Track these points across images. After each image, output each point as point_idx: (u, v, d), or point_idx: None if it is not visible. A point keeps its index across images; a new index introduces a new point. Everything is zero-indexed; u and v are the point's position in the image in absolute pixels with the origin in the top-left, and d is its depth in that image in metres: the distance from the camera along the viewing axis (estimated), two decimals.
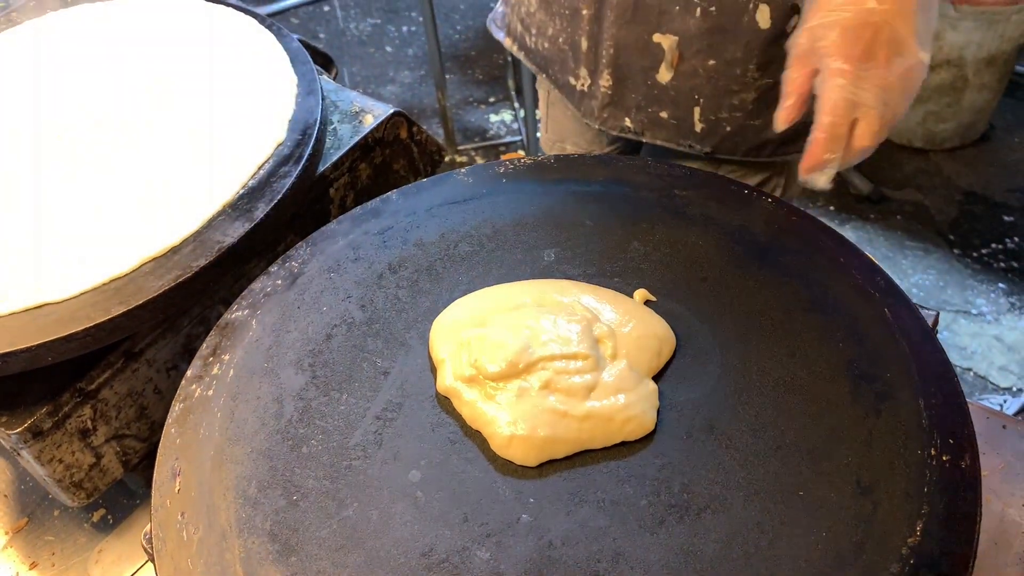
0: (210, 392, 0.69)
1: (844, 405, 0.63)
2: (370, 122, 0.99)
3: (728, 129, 1.03)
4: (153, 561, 0.60)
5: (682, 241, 0.75)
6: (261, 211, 0.82)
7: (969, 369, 2.32)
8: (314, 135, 0.89)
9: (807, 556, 0.55)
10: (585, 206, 0.79)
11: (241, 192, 0.84)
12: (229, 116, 0.91)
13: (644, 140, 1.08)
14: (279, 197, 0.83)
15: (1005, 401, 2.13)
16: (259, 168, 0.86)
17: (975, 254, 2.55)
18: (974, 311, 2.43)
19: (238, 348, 0.71)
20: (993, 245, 2.57)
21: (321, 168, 0.94)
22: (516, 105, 3.07)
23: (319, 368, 0.69)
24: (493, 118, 3.15)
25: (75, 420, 0.79)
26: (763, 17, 0.95)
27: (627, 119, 1.07)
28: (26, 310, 0.76)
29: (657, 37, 0.99)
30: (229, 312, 0.74)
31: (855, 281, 0.70)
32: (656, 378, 0.66)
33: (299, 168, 0.86)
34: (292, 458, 0.64)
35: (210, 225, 0.81)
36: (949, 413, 0.61)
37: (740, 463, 0.60)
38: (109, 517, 0.89)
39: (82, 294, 0.76)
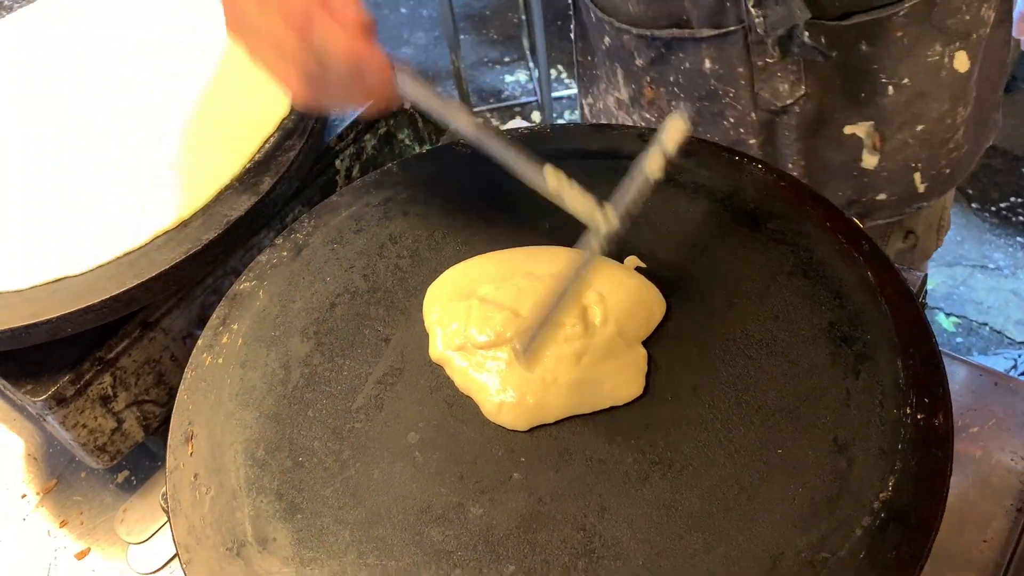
0: (220, 360, 0.72)
1: (824, 366, 0.65)
2: None
3: (948, 172, 1.04)
4: (169, 520, 0.64)
5: (673, 208, 0.77)
6: (267, 184, 0.85)
7: (985, 324, 2.32)
8: None
9: (783, 510, 0.58)
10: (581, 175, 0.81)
11: (248, 166, 0.87)
12: (233, 92, 0.94)
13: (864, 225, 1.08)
14: (284, 170, 0.86)
15: (1020, 355, 2.14)
16: (265, 142, 0.88)
17: (993, 208, 2.54)
18: (991, 265, 2.42)
19: (246, 317, 0.75)
20: (1012, 199, 2.55)
21: (326, 140, 0.97)
22: (531, 65, 3.07)
23: (324, 335, 0.73)
24: (508, 78, 3.15)
25: (96, 387, 0.84)
26: (961, 62, 0.95)
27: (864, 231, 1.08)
28: (45, 284, 0.80)
29: (849, 129, 0.99)
30: (237, 283, 0.77)
31: (840, 245, 0.72)
32: (645, 342, 0.68)
33: (304, 141, 0.88)
34: (298, 421, 0.68)
35: (218, 199, 0.84)
36: (926, 373, 0.63)
37: (722, 423, 0.63)
38: (133, 478, 0.94)
39: (98, 268, 0.80)
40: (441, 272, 0.75)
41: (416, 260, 0.78)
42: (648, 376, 0.66)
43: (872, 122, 0.99)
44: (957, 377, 0.90)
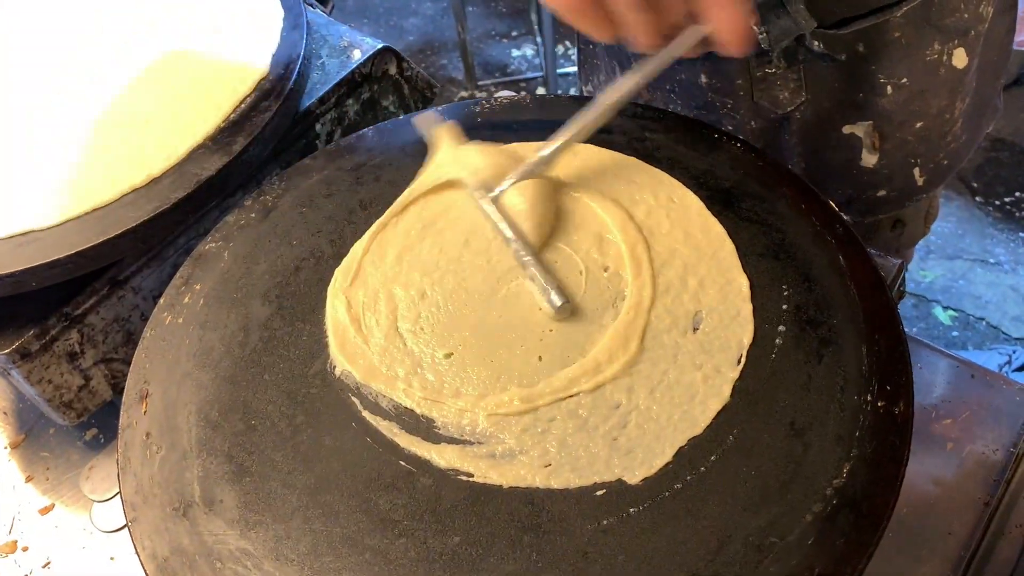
0: (180, 320, 0.71)
1: (787, 349, 0.64)
2: (357, 57, 0.99)
3: (946, 163, 1.03)
4: (119, 477, 0.63)
5: None
6: (240, 145, 0.83)
7: (982, 318, 2.30)
8: (296, 69, 0.90)
9: (734, 491, 0.57)
10: None
11: (222, 126, 0.85)
12: (212, 50, 0.93)
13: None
14: (259, 131, 0.85)
15: (1014, 352, 2.12)
16: (240, 102, 0.87)
17: (997, 202, 2.51)
18: (992, 260, 2.40)
19: (209, 278, 0.74)
20: (1017, 194, 2.52)
21: (307, 103, 0.96)
22: (539, 40, 3.03)
23: (285, 299, 0.72)
24: (515, 53, 3.12)
25: (62, 343, 0.83)
26: (959, 58, 0.94)
27: (843, 216, 1.07)
28: (10, 237, 0.79)
29: (848, 129, 0.98)
30: (203, 243, 0.76)
31: (813, 227, 0.71)
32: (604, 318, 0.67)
33: (280, 102, 0.87)
34: (254, 385, 0.67)
35: (189, 158, 0.83)
36: (890, 360, 0.62)
37: None
38: (101, 436, 0.93)
39: (65, 223, 0.79)
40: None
41: None
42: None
43: (871, 122, 0.98)
44: (934, 367, 0.89)
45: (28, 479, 0.92)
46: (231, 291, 0.73)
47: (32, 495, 0.90)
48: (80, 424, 0.90)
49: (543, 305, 0.67)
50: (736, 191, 0.74)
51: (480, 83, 2.95)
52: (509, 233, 0.70)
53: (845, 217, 1.07)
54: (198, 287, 0.73)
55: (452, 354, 0.66)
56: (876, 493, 0.56)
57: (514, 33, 3.18)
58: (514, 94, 0.83)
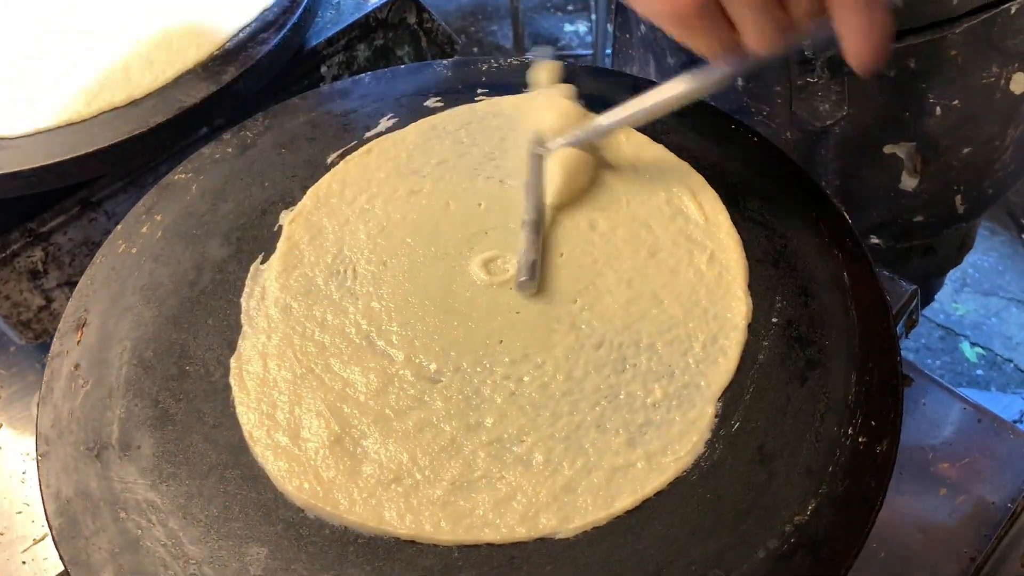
0: (134, 250, 0.67)
1: (769, 366, 0.58)
2: (374, 0, 0.94)
3: (990, 192, 0.97)
4: (37, 408, 0.59)
5: None
6: (230, 75, 0.79)
7: (1010, 360, 2.21)
8: (303, 3, 0.85)
9: (683, 515, 0.52)
10: None
11: (215, 54, 0.81)
12: None
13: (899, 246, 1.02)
14: (252, 63, 0.80)
15: None
16: (239, 31, 0.82)
17: None
18: None
19: (172, 210, 0.69)
20: None
21: (313, 42, 0.91)
22: (593, 17, 2.95)
23: (246, 243, 0.67)
24: (568, 27, 3.04)
25: (24, 260, 0.80)
26: (1018, 83, 0.87)
27: (873, 237, 1.00)
28: None
29: (889, 148, 0.92)
30: (173, 173, 0.72)
31: (821, 237, 0.64)
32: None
33: (280, 36, 0.83)
34: (195, 329, 0.63)
35: (176, 83, 0.79)
36: (880, 394, 0.56)
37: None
38: None
39: (35, 134, 0.76)
40: None
41: None
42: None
43: (915, 143, 0.91)
44: (940, 405, 0.83)
45: None
46: (192, 226, 0.69)
47: None
48: (41, 345, 0.87)
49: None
50: (744, 188, 0.68)
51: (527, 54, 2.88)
52: (533, 190, 0.66)
53: (875, 240, 1.01)
54: (159, 218, 0.69)
55: (405, 319, 0.61)
56: (840, 537, 0.50)
57: (570, 7, 3.10)
58: (519, 59, 0.77)
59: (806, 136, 0.93)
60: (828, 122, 0.91)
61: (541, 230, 0.64)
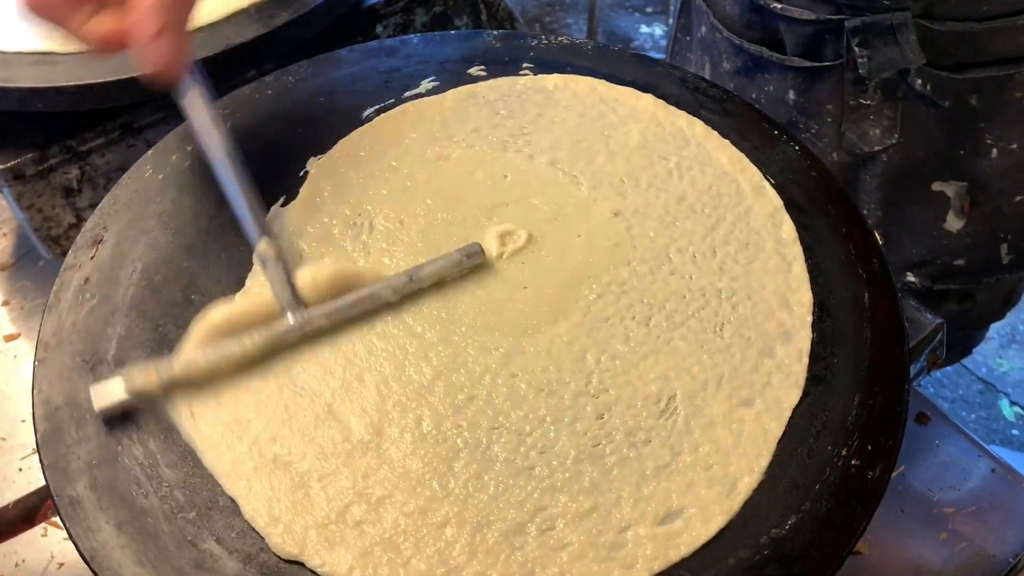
0: (160, 176, 0.68)
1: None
2: None
3: None
4: (43, 315, 0.60)
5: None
6: (282, 19, 0.79)
7: None
8: None
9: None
10: None
11: None
12: None
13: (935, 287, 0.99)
14: (305, 11, 0.80)
15: None
16: None
17: None
18: None
19: None
20: None
21: (372, 0, 0.91)
22: (671, 21, 2.93)
23: (270, 183, 0.67)
24: (643, 29, 3.02)
25: (60, 175, 0.81)
26: None
27: (909, 275, 0.98)
28: (30, 53, 0.77)
29: (938, 185, 0.89)
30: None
31: (848, 255, 0.63)
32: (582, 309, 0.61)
33: None
34: (207, 260, 0.63)
35: (227, 21, 0.79)
36: (881, 420, 0.54)
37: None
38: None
39: (84, 53, 0.76)
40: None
41: None
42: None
43: (966, 183, 0.88)
44: (955, 448, 0.80)
45: (4, 303, 0.91)
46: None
47: (3, 319, 0.89)
48: None
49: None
50: (778, 194, 0.66)
51: None
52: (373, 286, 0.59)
53: (911, 278, 0.98)
54: (190, 148, 0.70)
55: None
56: (815, 557, 0.49)
57: (649, 9, 3.07)
58: (569, 38, 0.76)
59: (853, 160, 0.91)
60: (877, 148, 0.88)
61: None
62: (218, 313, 0.57)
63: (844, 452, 0.53)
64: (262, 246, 0.58)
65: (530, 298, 0.60)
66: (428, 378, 0.56)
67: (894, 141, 0.87)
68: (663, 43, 2.93)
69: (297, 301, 0.57)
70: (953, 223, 0.92)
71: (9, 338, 0.87)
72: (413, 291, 0.59)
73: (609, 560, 0.48)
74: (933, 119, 0.85)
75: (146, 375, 0.54)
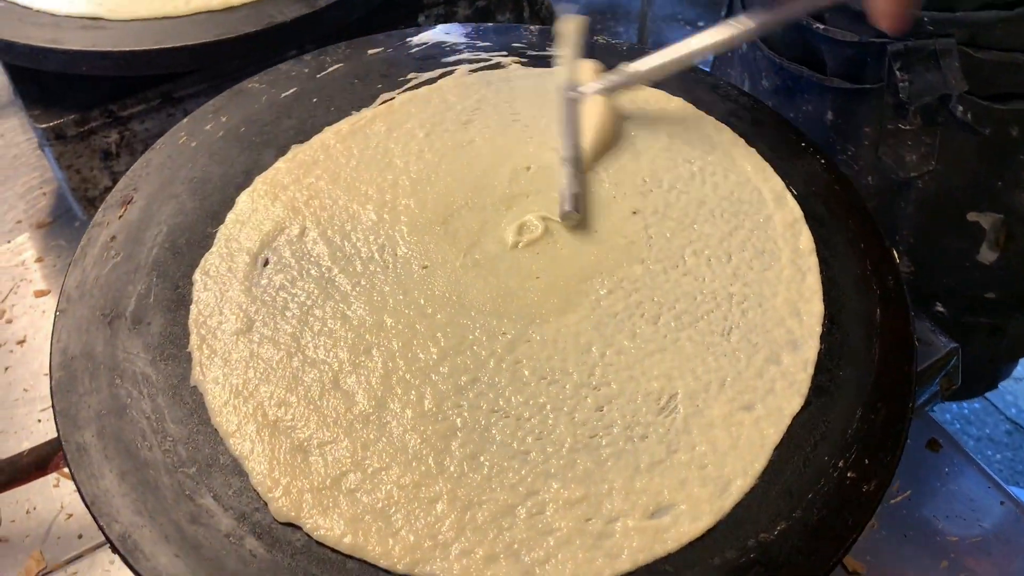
0: (193, 144, 0.70)
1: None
2: None
3: None
4: (68, 267, 0.62)
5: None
6: (325, 1, 0.81)
7: None
8: None
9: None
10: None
11: None
12: None
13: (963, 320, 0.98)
14: None
15: None
16: None
17: None
18: None
19: (238, 114, 0.72)
20: None
21: None
22: None
23: (299, 154, 0.69)
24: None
25: (100, 138, 0.83)
26: None
27: (938, 305, 0.97)
28: (79, 16, 0.79)
29: (973, 216, 0.88)
30: (248, 80, 0.74)
31: (863, 270, 0.62)
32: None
33: None
34: None
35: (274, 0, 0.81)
36: (883, 435, 0.54)
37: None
38: None
39: (132, 21, 0.79)
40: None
41: None
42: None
43: (1002, 215, 0.86)
44: (964, 479, 0.79)
45: (38, 259, 0.93)
46: (252, 133, 0.71)
47: (35, 276, 0.92)
48: None
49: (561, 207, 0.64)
50: (800, 206, 0.66)
51: None
52: (570, 132, 0.67)
53: (939, 308, 0.96)
54: (224, 119, 0.71)
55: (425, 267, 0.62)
56: (801, 564, 0.49)
57: (700, 23, 3.06)
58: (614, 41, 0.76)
59: (888, 185, 0.89)
60: (913, 174, 0.87)
61: (582, 166, 0.66)
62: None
63: (841, 464, 0.53)
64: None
65: (541, 288, 0.60)
66: (435, 358, 0.56)
67: (931, 168, 0.86)
68: (711, 58, 2.92)
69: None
70: (986, 255, 0.90)
71: (39, 294, 0.90)
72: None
73: (595, 548, 0.49)
74: (972, 148, 0.84)
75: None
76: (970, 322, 1.00)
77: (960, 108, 0.81)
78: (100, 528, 0.49)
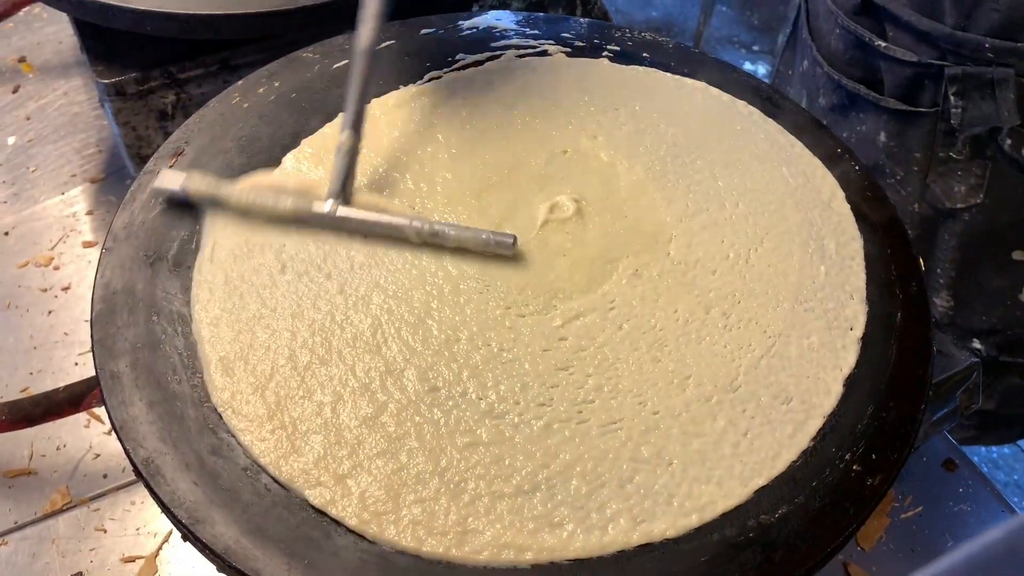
0: (246, 105, 0.72)
1: None
2: None
3: None
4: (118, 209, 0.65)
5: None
6: None
7: None
8: None
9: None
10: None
11: None
12: None
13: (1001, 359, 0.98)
14: None
15: None
16: None
17: None
18: None
19: (291, 81, 0.74)
20: None
21: None
22: (776, 60, 2.91)
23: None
24: (748, 65, 3.00)
25: (157, 98, 0.86)
26: None
27: (976, 341, 0.97)
28: None
29: (1019, 254, 0.89)
30: (303, 50, 0.77)
31: (889, 275, 0.63)
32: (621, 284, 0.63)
33: None
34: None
35: None
36: (892, 434, 0.54)
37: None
38: None
39: None
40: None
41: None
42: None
43: None
44: (976, 503, 0.79)
45: (89, 212, 0.97)
46: (303, 99, 0.73)
47: (85, 228, 0.95)
48: None
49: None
50: None
51: None
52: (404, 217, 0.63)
53: (977, 345, 0.95)
54: (276, 84, 0.74)
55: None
56: (798, 547, 0.49)
57: (755, 47, 3.06)
58: (652, 34, 0.78)
59: (934, 214, 0.89)
60: (960, 205, 0.86)
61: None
62: (264, 177, 0.65)
63: (847, 456, 0.53)
64: (344, 136, 0.64)
65: (566, 266, 0.62)
66: (450, 330, 0.58)
67: (978, 201, 0.86)
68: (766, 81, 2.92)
69: (341, 193, 0.62)
70: None
71: (87, 244, 0.93)
72: (435, 243, 0.62)
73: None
74: (1021, 185, 0.84)
75: (204, 182, 0.63)
76: (1008, 362, 0.99)
77: (1009, 142, 0.81)
78: (126, 451, 0.51)
